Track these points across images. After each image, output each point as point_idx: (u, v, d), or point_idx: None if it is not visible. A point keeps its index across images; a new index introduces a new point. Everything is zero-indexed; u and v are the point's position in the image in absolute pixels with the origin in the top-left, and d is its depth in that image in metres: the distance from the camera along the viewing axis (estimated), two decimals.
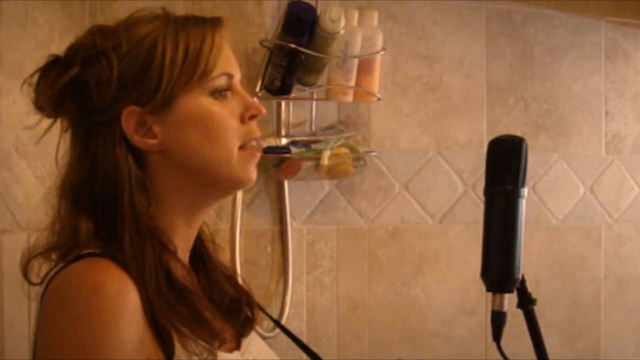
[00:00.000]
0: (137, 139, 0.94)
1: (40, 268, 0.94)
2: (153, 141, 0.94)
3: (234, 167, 0.97)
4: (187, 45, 0.94)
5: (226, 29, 0.99)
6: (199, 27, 0.96)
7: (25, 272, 0.95)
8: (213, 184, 0.98)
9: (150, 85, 0.93)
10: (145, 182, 0.94)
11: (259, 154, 1.01)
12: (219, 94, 0.97)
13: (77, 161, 0.95)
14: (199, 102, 0.95)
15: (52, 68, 0.96)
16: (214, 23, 0.98)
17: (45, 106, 0.96)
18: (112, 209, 0.92)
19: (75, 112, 0.95)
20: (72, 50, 0.96)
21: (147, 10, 0.98)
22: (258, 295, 1.13)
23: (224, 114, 0.96)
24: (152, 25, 0.95)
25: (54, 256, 0.94)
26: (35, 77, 0.96)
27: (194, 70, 0.94)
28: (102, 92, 0.93)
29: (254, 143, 1.00)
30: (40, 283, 0.92)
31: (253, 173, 0.99)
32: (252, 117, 0.99)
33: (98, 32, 0.96)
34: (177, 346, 0.88)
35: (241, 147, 0.98)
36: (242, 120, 0.98)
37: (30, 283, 0.94)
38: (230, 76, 0.98)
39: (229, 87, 0.98)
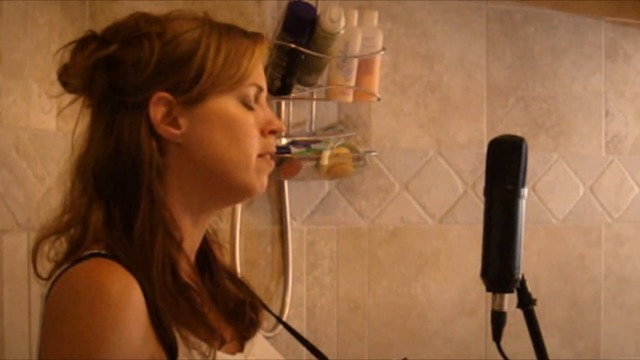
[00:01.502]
0: (162, 126, 0.95)
1: (50, 252, 0.94)
2: (176, 132, 0.95)
3: (250, 173, 0.98)
4: (229, 49, 0.97)
5: (266, 46, 1.02)
6: (241, 37, 0.99)
7: (35, 255, 0.94)
8: (224, 187, 0.99)
9: (187, 76, 0.95)
10: (163, 170, 0.95)
11: (273, 164, 1.03)
12: (247, 102, 0.99)
13: (100, 140, 0.95)
14: (228, 104, 0.97)
15: (90, 42, 0.96)
16: (256, 37, 1.01)
17: (75, 79, 0.96)
18: (129, 192, 0.92)
19: (103, 89, 0.95)
20: (112, 29, 0.98)
21: (188, 10, 1.01)
22: (258, 295, 1.13)
23: (249, 122, 0.98)
24: (196, 23, 0.98)
25: (59, 256, 0.94)
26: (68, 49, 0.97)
27: (232, 74, 0.97)
28: (138, 73, 0.94)
29: (268, 157, 1.02)
30: (48, 279, 0.92)
31: (265, 182, 1.01)
32: (272, 132, 1.01)
33: (142, 18, 0.98)
34: (180, 345, 0.89)
35: (259, 156, 1.00)
36: (262, 133, 1.00)
37: (37, 274, 0.94)
38: (260, 89, 1.01)
39: (257, 99, 1.00)
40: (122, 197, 0.92)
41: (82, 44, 0.96)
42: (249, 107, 0.99)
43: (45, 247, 0.95)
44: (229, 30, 0.99)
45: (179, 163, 0.96)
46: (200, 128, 0.96)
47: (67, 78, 0.97)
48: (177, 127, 0.95)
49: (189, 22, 0.98)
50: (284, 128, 1.04)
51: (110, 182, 0.93)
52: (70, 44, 0.97)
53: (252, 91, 0.99)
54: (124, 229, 0.91)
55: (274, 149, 1.02)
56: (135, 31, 0.96)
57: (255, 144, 0.99)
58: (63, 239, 0.95)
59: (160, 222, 0.93)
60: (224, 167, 0.97)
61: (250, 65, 0.98)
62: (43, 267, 0.95)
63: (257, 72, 1.00)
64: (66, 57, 0.98)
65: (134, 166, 0.93)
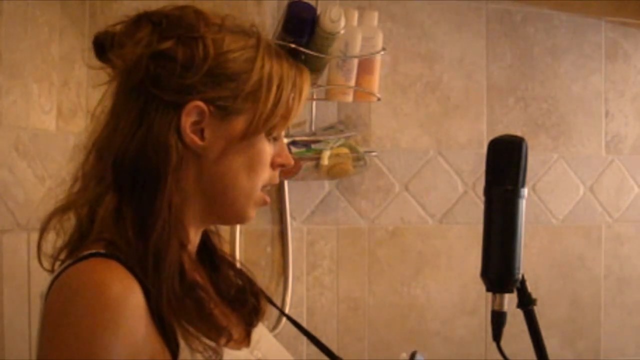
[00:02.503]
0: (189, 133, 0.93)
1: (57, 235, 0.94)
2: (200, 143, 0.94)
3: (249, 204, 0.99)
4: (281, 86, 0.95)
5: (310, 81, 1.01)
6: (289, 67, 0.98)
7: (43, 232, 0.94)
8: (222, 207, 0.99)
9: (233, 96, 0.93)
10: (181, 176, 0.93)
11: (269, 200, 1.03)
12: (272, 134, 0.98)
13: (128, 128, 0.92)
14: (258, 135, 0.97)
15: (144, 25, 0.94)
16: (302, 70, 0.99)
17: (120, 58, 0.93)
18: (148, 192, 0.90)
19: (142, 78, 0.92)
20: (171, 20, 0.95)
21: (238, 18, 0.99)
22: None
23: (269, 156, 0.99)
24: (251, 41, 0.96)
25: (65, 238, 0.94)
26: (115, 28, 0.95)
27: (280, 115, 0.96)
28: (184, 75, 0.92)
29: (268, 188, 1.01)
30: (51, 271, 0.92)
31: (254, 215, 1.01)
32: (280, 165, 1.01)
33: (201, 17, 0.95)
34: (182, 344, 0.88)
35: (261, 188, 1.00)
36: (272, 164, 1.00)
37: (40, 265, 0.94)
38: (287, 127, 1.02)
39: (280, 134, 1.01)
40: (140, 196, 0.90)
41: (136, 25, 0.94)
42: (274, 140, 0.99)
43: (53, 222, 0.94)
44: (279, 58, 0.97)
45: (191, 174, 0.95)
46: (222, 147, 0.95)
47: (111, 51, 0.94)
48: (202, 138, 0.94)
49: (245, 37, 0.96)
50: (293, 162, 1.03)
51: (131, 176, 0.91)
52: (119, 23, 0.94)
53: (281, 128, 0.99)
54: (135, 230, 0.89)
55: (277, 181, 1.02)
56: (192, 31, 0.93)
57: (265, 176, 0.99)
58: (71, 215, 0.93)
59: (174, 229, 0.91)
60: (230, 190, 0.96)
61: (298, 108, 0.98)
62: (48, 250, 0.94)
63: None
64: (111, 26, 0.95)
65: (157, 166, 0.91)
